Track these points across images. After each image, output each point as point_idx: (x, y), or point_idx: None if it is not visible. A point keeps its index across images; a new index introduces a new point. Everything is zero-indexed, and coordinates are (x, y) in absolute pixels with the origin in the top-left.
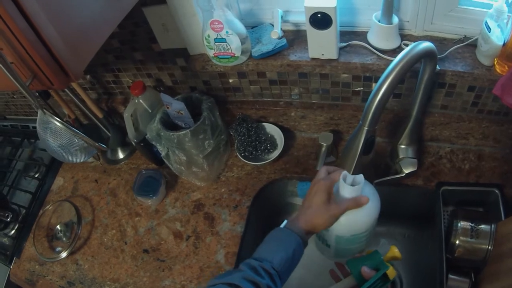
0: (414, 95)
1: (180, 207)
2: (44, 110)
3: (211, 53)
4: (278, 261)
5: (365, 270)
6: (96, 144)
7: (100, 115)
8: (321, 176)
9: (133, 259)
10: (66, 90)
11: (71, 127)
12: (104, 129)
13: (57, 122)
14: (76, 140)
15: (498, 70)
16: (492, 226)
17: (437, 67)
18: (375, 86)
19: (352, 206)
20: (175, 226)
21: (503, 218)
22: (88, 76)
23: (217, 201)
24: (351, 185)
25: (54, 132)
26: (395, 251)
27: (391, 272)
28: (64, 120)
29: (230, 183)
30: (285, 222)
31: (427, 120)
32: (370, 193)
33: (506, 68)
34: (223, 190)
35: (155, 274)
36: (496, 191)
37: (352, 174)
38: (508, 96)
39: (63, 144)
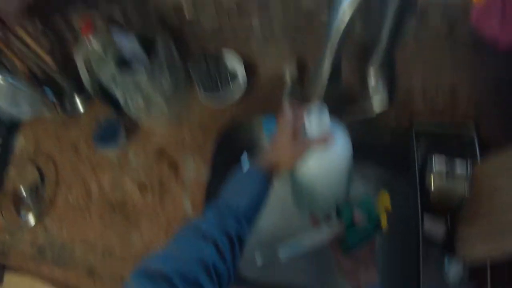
0: (383, 25)
1: (143, 155)
2: None
3: None
4: (244, 204)
5: (357, 215)
6: (42, 94)
7: (53, 65)
8: (285, 113)
9: (100, 218)
10: (14, 40)
11: (8, 78)
12: (59, 79)
13: None
14: (18, 92)
15: None
16: (469, 167)
17: None
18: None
19: (319, 145)
20: (139, 177)
21: (478, 158)
22: (38, 25)
23: (180, 145)
24: (316, 120)
25: None
26: (385, 198)
27: (384, 219)
28: (17, 74)
29: (192, 125)
30: (245, 154)
31: (398, 53)
32: (338, 131)
33: None
34: (185, 133)
35: (123, 231)
36: (472, 128)
37: (320, 105)
38: (485, 25)
39: (8, 100)
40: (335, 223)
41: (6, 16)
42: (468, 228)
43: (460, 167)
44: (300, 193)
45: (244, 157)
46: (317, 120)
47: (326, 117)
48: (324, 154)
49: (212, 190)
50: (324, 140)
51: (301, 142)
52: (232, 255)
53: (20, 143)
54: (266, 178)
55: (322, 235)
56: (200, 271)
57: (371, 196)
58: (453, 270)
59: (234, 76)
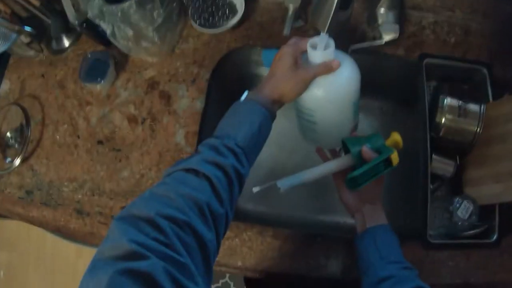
0: None
1: (133, 88)
2: None
3: None
4: (242, 137)
5: (366, 150)
6: (16, 27)
7: (36, 3)
8: (287, 43)
9: (87, 154)
10: None
11: None
12: (44, 17)
13: None
14: None
15: None
16: (482, 106)
17: None
18: None
19: (322, 71)
20: (129, 110)
21: (490, 99)
22: None
23: (173, 76)
24: (320, 47)
25: None
26: (397, 137)
27: (395, 157)
28: (0, 16)
29: (186, 56)
30: (246, 93)
31: None
32: (344, 59)
33: None
34: (178, 64)
35: (112, 166)
36: (484, 70)
37: (327, 32)
38: None
39: None
40: (342, 157)
41: None
42: (478, 169)
43: (473, 104)
44: (305, 122)
45: (245, 95)
46: (321, 47)
47: (331, 44)
48: (330, 80)
49: (207, 121)
50: (329, 65)
51: (304, 69)
52: (230, 193)
53: (5, 85)
54: (267, 109)
55: (327, 168)
56: (192, 211)
57: (379, 133)
58: (461, 208)
59: (230, 3)
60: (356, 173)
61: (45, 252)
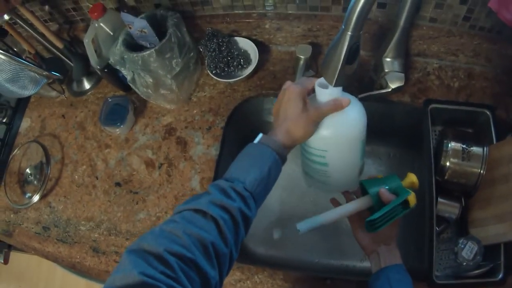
0: (402, 3)
1: (151, 133)
2: None
3: None
4: (251, 181)
5: (384, 192)
6: (45, 72)
7: (60, 46)
8: (294, 85)
9: (105, 194)
10: (21, 23)
11: (15, 56)
12: (66, 60)
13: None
14: (23, 71)
15: None
16: (485, 148)
17: None
18: None
19: (332, 108)
20: (147, 154)
21: (494, 141)
22: (46, 7)
23: (189, 123)
24: (328, 88)
25: None
26: (413, 178)
27: (412, 199)
28: (25, 56)
29: (202, 104)
30: (260, 135)
31: (415, 33)
32: (351, 98)
33: None
34: (195, 111)
35: (129, 207)
36: (488, 112)
37: (334, 86)
38: (505, 10)
39: (10, 77)
40: (360, 198)
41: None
42: (483, 210)
43: (476, 147)
44: (315, 164)
45: (259, 138)
46: (327, 86)
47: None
48: (339, 119)
49: (222, 168)
50: (339, 102)
51: (314, 109)
52: (235, 234)
53: (26, 123)
54: (278, 153)
55: (346, 209)
56: (198, 249)
57: (396, 174)
58: (466, 249)
59: (245, 54)
60: (374, 216)
61: (54, 285)
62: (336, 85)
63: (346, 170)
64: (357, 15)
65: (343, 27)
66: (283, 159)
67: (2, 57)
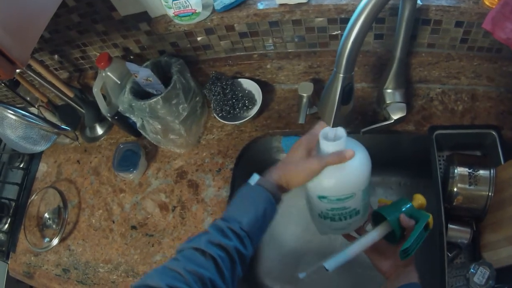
0: (396, 35)
1: (163, 178)
2: None
3: (171, 12)
4: (247, 222)
5: (405, 218)
6: (55, 129)
7: (71, 94)
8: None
9: (122, 238)
10: (31, 74)
11: (26, 117)
12: (78, 107)
13: (11, 115)
14: (34, 129)
15: (486, 3)
16: (492, 171)
17: (419, 1)
18: (346, 27)
19: (334, 161)
20: (160, 198)
21: (502, 162)
22: (56, 56)
23: (199, 166)
24: (331, 137)
25: (10, 125)
26: (421, 199)
27: (431, 221)
28: (37, 105)
29: (211, 146)
30: (255, 176)
31: (414, 60)
32: (355, 147)
33: (496, 0)
34: (204, 154)
35: (145, 250)
36: (494, 133)
37: (332, 126)
38: (500, 30)
39: (22, 135)
40: (381, 226)
41: (21, 62)
42: (494, 233)
43: (482, 171)
44: (318, 212)
45: (254, 178)
46: (332, 137)
47: (342, 135)
48: (340, 168)
49: None
50: (342, 155)
51: (315, 158)
52: (232, 271)
53: (43, 168)
54: (273, 194)
55: (369, 239)
56: (197, 285)
57: (405, 198)
58: (477, 275)
59: (249, 95)
60: (407, 244)
61: None
62: (334, 126)
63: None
64: (346, 57)
65: (335, 69)
66: (277, 200)
67: (13, 117)
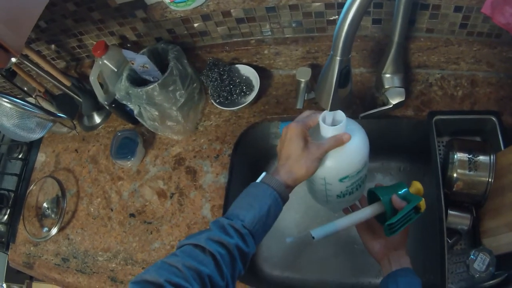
0: (394, 19)
1: (161, 164)
2: None
3: None
4: (250, 220)
5: (396, 198)
6: (50, 117)
7: (68, 84)
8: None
9: (120, 226)
10: (29, 64)
11: (20, 103)
12: (75, 96)
13: (5, 103)
14: (30, 117)
15: None
16: (492, 157)
17: None
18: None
19: (334, 145)
20: (158, 185)
21: (502, 148)
22: (52, 46)
23: (197, 153)
24: (331, 125)
25: (6, 113)
26: (419, 185)
27: (423, 204)
28: (35, 95)
29: (208, 133)
30: (263, 174)
31: (413, 45)
32: (353, 129)
33: None
34: (202, 140)
35: (144, 237)
36: (493, 119)
37: (330, 110)
38: (499, 14)
39: (18, 123)
40: (373, 205)
41: (15, 51)
42: (494, 219)
43: (482, 156)
44: (319, 190)
45: (262, 176)
46: (331, 122)
47: (342, 119)
48: (340, 150)
49: (231, 195)
50: (340, 139)
51: (315, 146)
52: (232, 268)
53: (41, 158)
54: (280, 192)
55: (360, 215)
56: (195, 281)
57: (403, 182)
58: (477, 261)
59: (247, 81)
60: (393, 220)
61: None
62: (331, 109)
63: (348, 194)
64: (343, 39)
65: (331, 52)
66: (284, 198)
67: (8, 105)
